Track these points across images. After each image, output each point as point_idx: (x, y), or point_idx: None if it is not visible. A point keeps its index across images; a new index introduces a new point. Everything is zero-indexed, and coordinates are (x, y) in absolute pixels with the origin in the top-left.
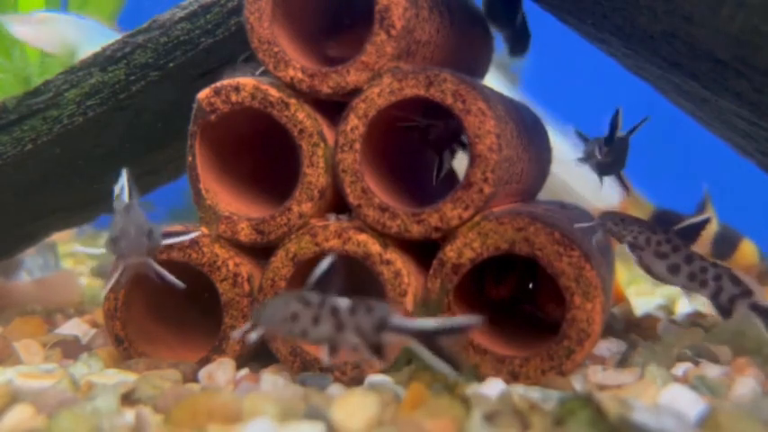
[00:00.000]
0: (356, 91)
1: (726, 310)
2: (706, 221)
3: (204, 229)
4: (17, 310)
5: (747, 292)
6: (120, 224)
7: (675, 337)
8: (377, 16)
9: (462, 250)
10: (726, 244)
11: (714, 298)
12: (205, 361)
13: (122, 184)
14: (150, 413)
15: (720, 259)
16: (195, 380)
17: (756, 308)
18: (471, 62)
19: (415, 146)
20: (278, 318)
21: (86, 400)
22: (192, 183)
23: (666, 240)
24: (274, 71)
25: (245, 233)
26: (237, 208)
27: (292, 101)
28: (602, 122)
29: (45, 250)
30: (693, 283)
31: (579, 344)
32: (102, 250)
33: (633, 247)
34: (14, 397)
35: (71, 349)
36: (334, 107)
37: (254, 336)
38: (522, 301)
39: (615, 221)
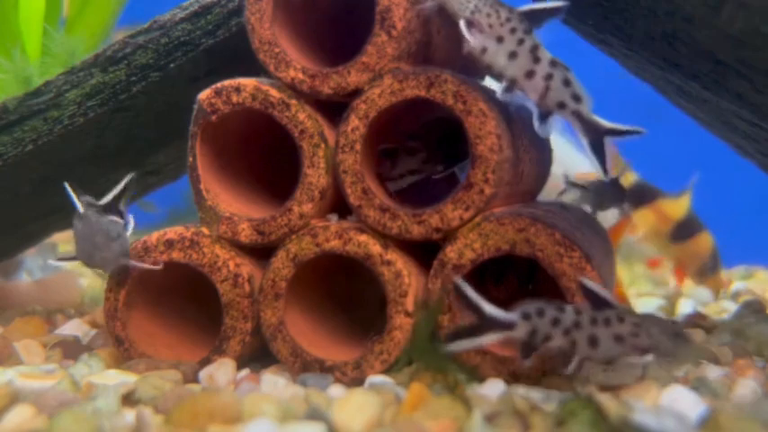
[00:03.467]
0: (357, 92)
1: None
2: (562, 8)
3: (205, 230)
4: (18, 310)
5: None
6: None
7: None
8: (377, 17)
9: (463, 251)
10: (687, 229)
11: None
12: (206, 361)
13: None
14: (151, 414)
15: (680, 241)
16: (196, 380)
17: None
18: (472, 63)
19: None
20: None
21: (87, 401)
22: (193, 183)
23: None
24: (275, 72)
25: (245, 234)
26: (238, 208)
27: (293, 101)
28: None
29: (45, 250)
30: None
31: None
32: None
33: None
34: (15, 397)
35: (72, 350)
36: (334, 108)
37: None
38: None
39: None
